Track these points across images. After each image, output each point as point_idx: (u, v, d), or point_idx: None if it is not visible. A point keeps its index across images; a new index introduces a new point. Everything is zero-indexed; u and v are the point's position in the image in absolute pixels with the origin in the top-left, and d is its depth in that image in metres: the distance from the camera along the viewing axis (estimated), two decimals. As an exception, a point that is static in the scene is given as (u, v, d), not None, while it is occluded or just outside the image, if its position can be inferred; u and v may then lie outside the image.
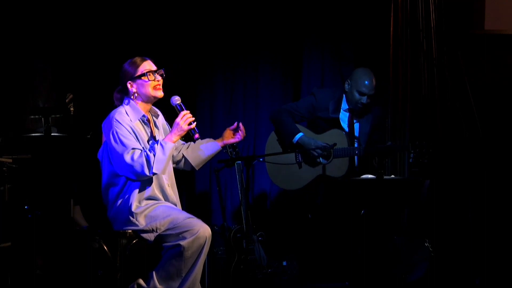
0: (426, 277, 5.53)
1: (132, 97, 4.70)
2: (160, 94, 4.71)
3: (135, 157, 4.54)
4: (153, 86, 4.69)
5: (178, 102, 4.68)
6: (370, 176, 5.38)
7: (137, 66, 4.69)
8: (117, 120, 4.61)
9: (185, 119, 4.60)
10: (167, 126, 4.88)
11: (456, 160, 6.05)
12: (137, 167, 4.53)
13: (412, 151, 5.62)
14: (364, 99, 5.89)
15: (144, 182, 4.68)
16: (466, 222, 5.97)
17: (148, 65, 4.70)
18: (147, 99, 4.72)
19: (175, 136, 4.62)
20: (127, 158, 4.54)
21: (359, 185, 5.35)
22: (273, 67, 6.68)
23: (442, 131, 6.04)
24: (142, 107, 4.72)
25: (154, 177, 4.68)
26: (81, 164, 4.99)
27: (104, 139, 4.68)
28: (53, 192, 4.88)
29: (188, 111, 4.63)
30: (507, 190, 6.03)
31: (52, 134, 4.90)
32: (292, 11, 6.56)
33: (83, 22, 6.15)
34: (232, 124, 4.89)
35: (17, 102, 5.92)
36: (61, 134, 5.06)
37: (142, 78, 4.67)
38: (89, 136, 5.11)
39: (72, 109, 5.08)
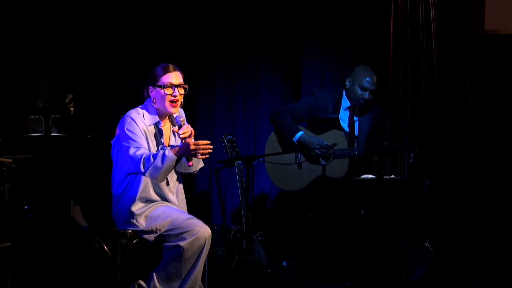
0: (426, 277, 5.53)
1: (152, 101, 4.76)
2: (173, 110, 4.75)
3: (138, 152, 4.62)
4: (169, 100, 4.72)
5: (182, 123, 4.70)
6: (370, 176, 5.37)
7: (162, 75, 4.71)
8: (132, 119, 4.70)
9: (198, 148, 4.54)
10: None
11: (456, 160, 6.05)
12: (136, 161, 4.61)
13: (412, 152, 5.63)
14: (366, 95, 5.89)
15: (146, 186, 4.71)
16: (466, 222, 5.97)
17: (171, 78, 4.71)
18: (162, 110, 4.76)
19: (180, 153, 4.60)
20: (131, 151, 4.63)
21: (359, 185, 5.35)
22: (273, 67, 6.67)
23: (442, 131, 6.04)
24: (159, 113, 4.78)
25: (156, 183, 4.73)
26: (81, 164, 4.99)
27: (117, 132, 4.76)
28: (53, 192, 4.88)
29: (208, 142, 4.59)
30: (507, 190, 6.02)
31: (52, 134, 4.89)
32: (292, 11, 6.56)
33: (83, 22, 6.15)
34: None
35: (17, 102, 5.92)
36: (61, 134, 5.05)
37: (161, 88, 4.70)
38: (89, 136, 5.11)
39: (72, 109, 5.08)
